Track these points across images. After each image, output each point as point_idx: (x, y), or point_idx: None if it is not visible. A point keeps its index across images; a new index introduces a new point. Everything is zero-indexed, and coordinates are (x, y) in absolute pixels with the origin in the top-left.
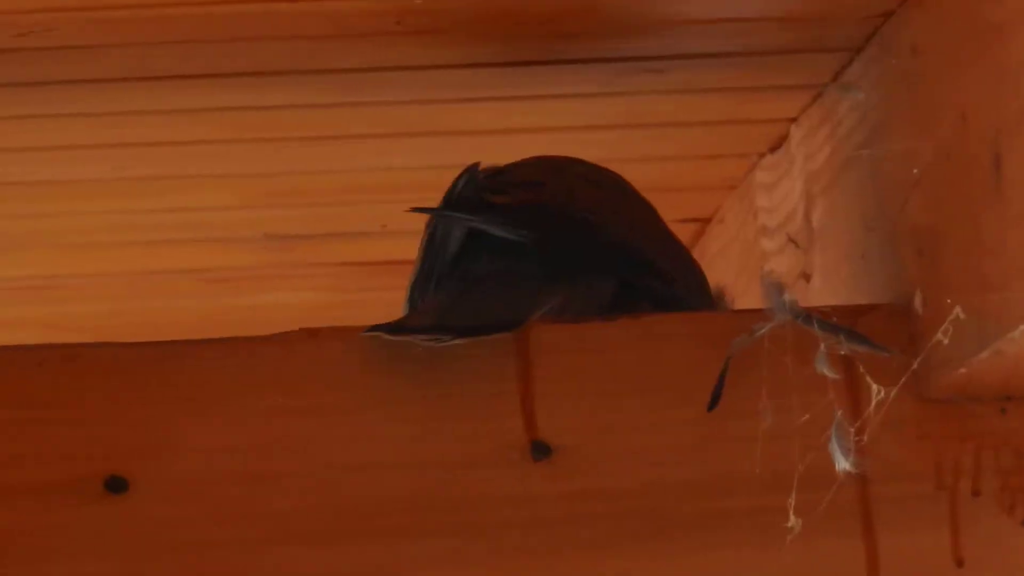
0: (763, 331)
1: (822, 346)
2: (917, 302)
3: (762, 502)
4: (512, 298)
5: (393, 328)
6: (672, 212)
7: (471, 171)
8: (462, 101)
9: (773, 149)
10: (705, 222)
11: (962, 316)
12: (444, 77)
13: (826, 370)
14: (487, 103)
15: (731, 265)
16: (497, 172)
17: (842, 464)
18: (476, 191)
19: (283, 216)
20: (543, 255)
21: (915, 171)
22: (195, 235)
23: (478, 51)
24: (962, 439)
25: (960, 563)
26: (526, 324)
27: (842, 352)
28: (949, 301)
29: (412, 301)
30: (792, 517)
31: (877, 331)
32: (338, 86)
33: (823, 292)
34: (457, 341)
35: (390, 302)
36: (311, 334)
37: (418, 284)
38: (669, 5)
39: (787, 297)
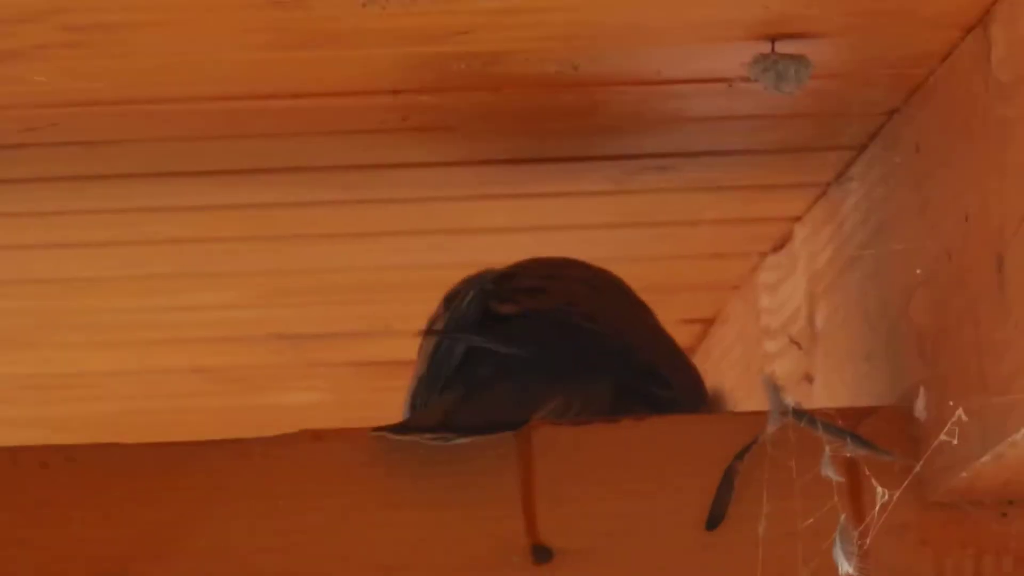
0: (764, 437)
1: (827, 448)
2: (920, 404)
3: None
4: (515, 400)
5: (399, 429)
6: (676, 312)
7: (478, 288)
8: (468, 199)
9: (777, 249)
10: (709, 322)
11: (964, 418)
12: (450, 175)
13: (831, 473)
14: (493, 201)
15: (734, 366)
16: (501, 278)
17: (846, 568)
18: (482, 301)
19: (290, 315)
20: (542, 362)
21: (918, 271)
22: (203, 334)
23: (485, 148)
24: (963, 544)
25: None
26: (529, 424)
27: (846, 454)
28: (952, 403)
29: (414, 406)
30: None
31: (880, 433)
32: (345, 183)
33: (826, 394)
34: (462, 440)
35: (395, 402)
36: (316, 436)
37: (420, 392)
38: (673, 102)
39: (788, 399)
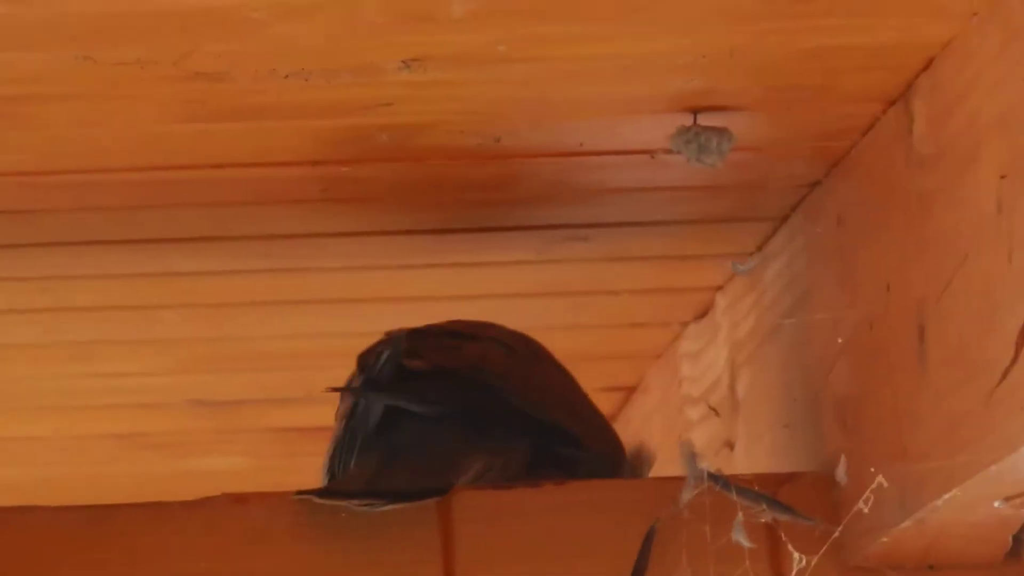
0: (684, 502)
1: (739, 515)
2: (840, 471)
3: None
4: (436, 464)
5: (324, 493)
6: (597, 380)
7: (392, 347)
8: (389, 268)
9: (698, 318)
10: (630, 391)
11: (885, 484)
12: (371, 244)
13: (742, 539)
14: (415, 270)
15: (655, 434)
16: (413, 334)
17: None
18: (395, 360)
19: (210, 382)
20: (459, 423)
21: (839, 340)
22: (122, 400)
23: (406, 218)
24: None
25: None
26: (452, 489)
27: (764, 520)
28: (872, 470)
29: (332, 470)
30: None
31: (800, 499)
32: (265, 252)
33: (747, 461)
34: (388, 507)
35: (315, 467)
36: (237, 500)
37: (338, 454)
38: (595, 174)
39: (705, 465)
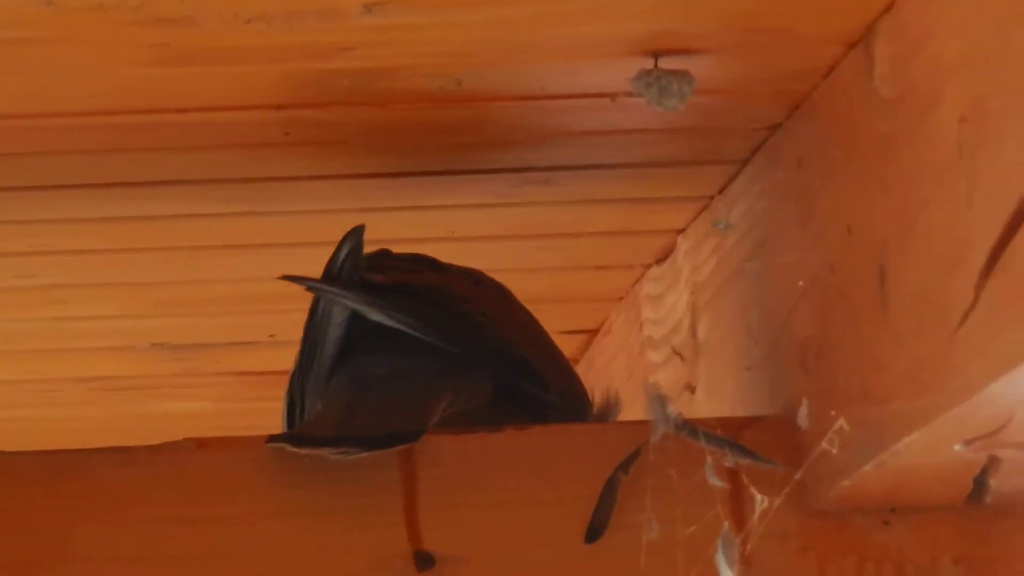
0: (647, 447)
1: (709, 457)
2: (802, 414)
3: None
4: (407, 403)
5: (297, 440)
6: (559, 323)
7: (355, 242)
8: (352, 211)
9: (660, 261)
10: (592, 333)
11: (846, 427)
12: (334, 188)
13: (715, 480)
14: (377, 213)
15: (617, 377)
16: (377, 254)
17: (728, 575)
18: (355, 267)
19: (172, 325)
20: (430, 354)
21: (801, 283)
22: (86, 343)
23: (368, 162)
24: (845, 551)
25: None
26: (425, 432)
27: (727, 464)
28: (834, 413)
29: (291, 395)
30: None
31: (762, 443)
32: (227, 196)
33: (708, 404)
34: (364, 454)
35: (278, 411)
36: (200, 444)
37: (300, 371)
38: (556, 117)
39: (670, 409)
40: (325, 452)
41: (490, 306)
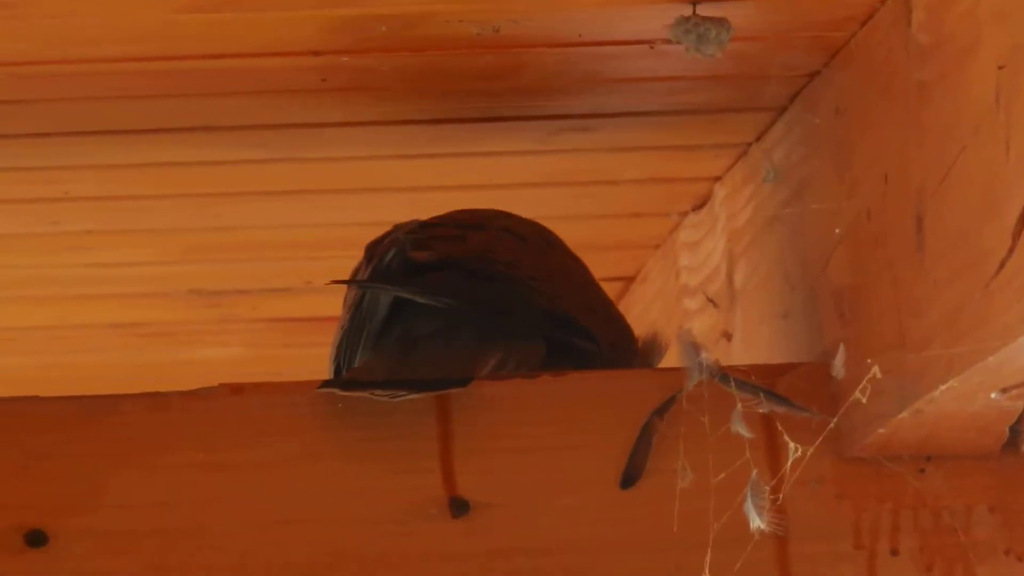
0: (683, 393)
1: (738, 405)
2: (838, 361)
3: (680, 560)
4: (455, 357)
5: (347, 384)
6: (596, 270)
7: (401, 238)
8: (389, 158)
9: (697, 208)
10: (629, 281)
11: (879, 375)
12: (371, 134)
13: (742, 430)
14: (414, 160)
15: (654, 324)
16: (422, 226)
17: (756, 523)
18: (402, 251)
19: (207, 271)
20: (473, 318)
21: (837, 231)
22: (119, 290)
23: (405, 109)
24: (881, 499)
25: None
26: (475, 379)
27: (761, 411)
28: (869, 361)
29: (339, 361)
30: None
31: (797, 390)
32: (264, 143)
33: (744, 351)
34: (412, 396)
35: (313, 358)
36: (234, 390)
37: (344, 344)
38: (596, 63)
39: (704, 356)
40: (373, 394)
41: (535, 265)
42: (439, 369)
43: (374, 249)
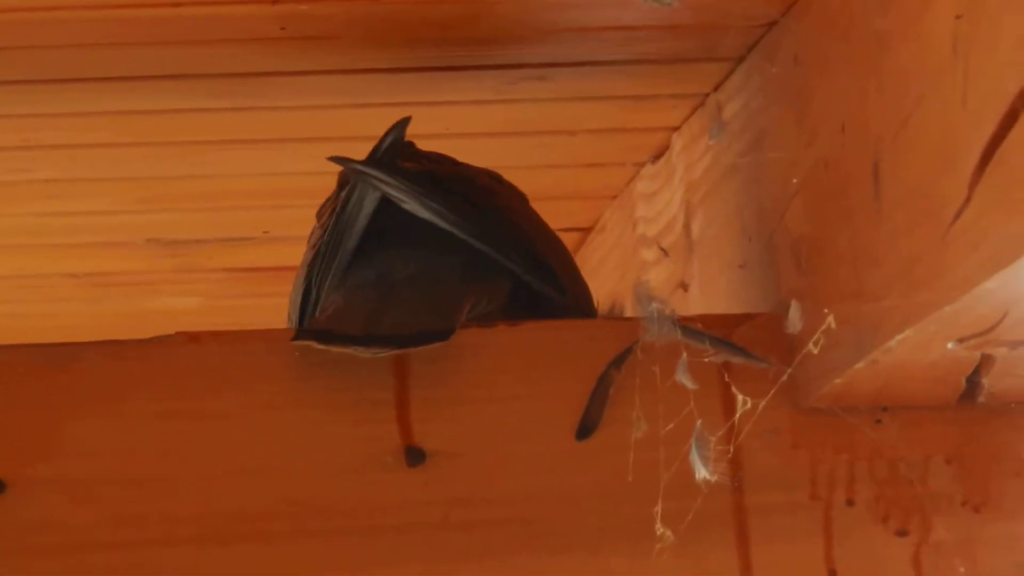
0: (639, 344)
1: (684, 356)
2: (794, 312)
3: (635, 511)
4: (435, 304)
5: (324, 337)
6: (554, 221)
7: (399, 132)
8: (347, 107)
9: (655, 158)
10: (586, 231)
11: (834, 326)
12: (330, 83)
13: (686, 380)
14: (373, 109)
15: (611, 274)
16: (406, 145)
17: (702, 473)
18: (396, 155)
19: (167, 221)
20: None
21: (795, 181)
22: (77, 239)
23: (364, 57)
24: (837, 449)
25: (833, 573)
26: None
27: (718, 361)
28: (826, 311)
29: (311, 277)
30: (660, 526)
31: (754, 341)
32: (222, 91)
33: (701, 302)
34: (393, 351)
35: (272, 308)
36: (192, 339)
37: (320, 259)
38: (554, 12)
39: (658, 307)
40: (354, 350)
41: (511, 207)
42: (418, 318)
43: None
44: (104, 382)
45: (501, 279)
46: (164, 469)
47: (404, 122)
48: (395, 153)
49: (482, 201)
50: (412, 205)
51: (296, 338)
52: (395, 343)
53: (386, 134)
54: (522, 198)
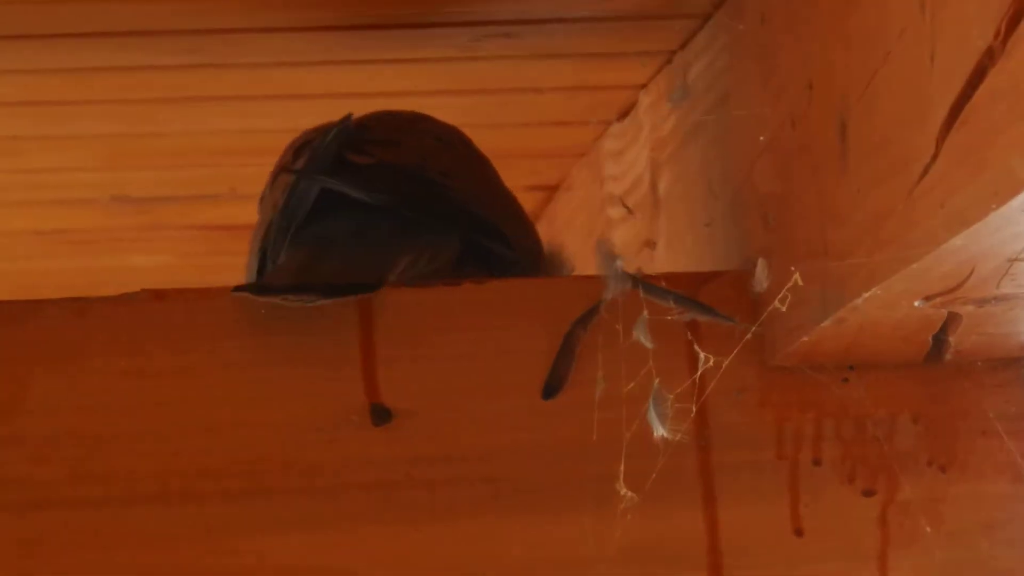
0: (603, 302)
1: (643, 314)
2: (760, 270)
3: (600, 470)
4: (368, 258)
5: (259, 289)
6: (521, 179)
7: (334, 135)
8: (311, 64)
9: (621, 116)
10: (553, 189)
11: (800, 283)
12: (295, 41)
13: (644, 339)
14: (337, 66)
15: (578, 233)
16: (356, 128)
17: (660, 431)
18: (336, 149)
19: (133, 178)
20: (394, 215)
21: (762, 138)
22: (44, 196)
23: (329, 15)
24: (803, 408)
25: (799, 532)
26: (385, 284)
27: (684, 320)
28: (793, 268)
29: (263, 256)
30: (622, 485)
31: (720, 299)
32: (188, 47)
33: (668, 260)
34: (323, 301)
35: (240, 266)
36: (156, 296)
37: (270, 237)
38: None
39: (620, 264)
40: (286, 299)
41: (465, 176)
42: (351, 271)
43: (301, 148)
44: (66, 339)
45: (447, 238)
46: (127, 426)
47: (346, 119)
48: (338, 150)
49: (434, 182)
50: (359, 195)
51: (234, 291)
52: (324, 292)
53: (326, 132)
54: (470, 151)
